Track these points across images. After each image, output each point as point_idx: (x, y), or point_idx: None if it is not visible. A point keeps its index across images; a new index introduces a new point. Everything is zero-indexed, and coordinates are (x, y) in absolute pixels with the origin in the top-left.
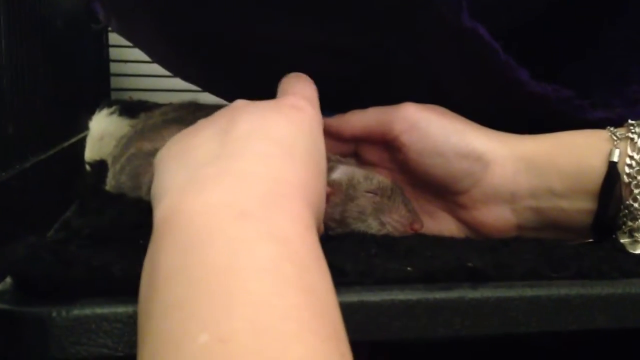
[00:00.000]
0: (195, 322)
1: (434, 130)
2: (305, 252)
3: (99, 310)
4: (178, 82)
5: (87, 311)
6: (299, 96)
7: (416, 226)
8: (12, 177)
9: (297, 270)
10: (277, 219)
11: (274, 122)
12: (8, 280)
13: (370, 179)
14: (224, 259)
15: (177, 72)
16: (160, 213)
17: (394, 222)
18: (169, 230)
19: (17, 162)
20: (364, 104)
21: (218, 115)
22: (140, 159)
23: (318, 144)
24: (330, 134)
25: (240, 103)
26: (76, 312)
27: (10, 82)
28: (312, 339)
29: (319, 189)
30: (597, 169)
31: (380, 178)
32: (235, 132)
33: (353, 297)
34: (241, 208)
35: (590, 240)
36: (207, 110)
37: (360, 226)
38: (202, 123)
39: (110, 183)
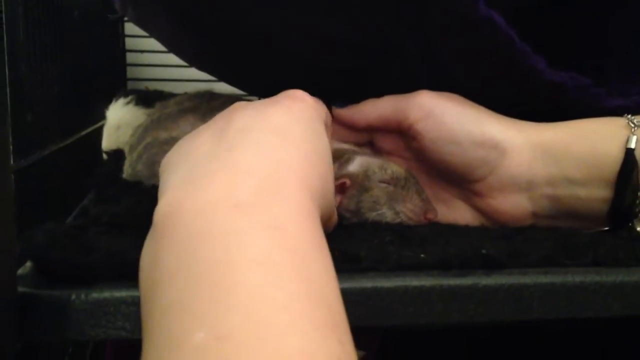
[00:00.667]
0: (192, 320)
1: (449, 118)
2: (302, 239)
3: (117, 294)
4: (193, 72)
5: (106, 294)
6: (298, 91)
7: (430, 215)
8: (32, 165)
9: (292, 258)
10: (273, 207)
11: (271, 113)
12: (28, 264)
13: (384, 169)
14: (219, 254)
15: (192, 61)
16: (158, 212)
17: (408, 211)
18: (167, 230)
19: (35, 150)
20: (377, 94)
21: (217, 116)
22: (157, 147)
23: (318, 131)
24: (345, 123)
25: (239, 103)
26: (95, 295)
27: (28, 71)
28: (308, 328)
29: (322, 174)
30: (614, 157)
31: (394, 168)
32: (231, 128)
33: (367, 283)
34: (235, 200)
35: (606, 228)
36: (222, 100)
37: (374, 216)
38: (203, 126)
39: (127, 171)
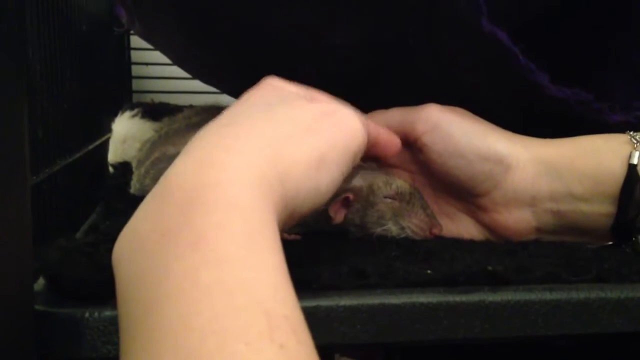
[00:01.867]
0: None
1: (456, 132)
2: (224, 244)
3: None
4: (198, 85)
5: None
6: (271, 77)
7: (435, 230)
8: (42, 181)
9: (214, 273)
10: (194, 220)
11: (221, 115)
12: (41, 281)
13: (389, 184)
14: (149, 294)
15: (197, 74)
16: (113, 253)
17: (413, 226)
18: (116, 279)
19: (46, 165)
20: (383, 106)
21: None
22: (165, 162)
23: (272, 105)
24: None
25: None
26: (108, 313)
27: (40, 87)
28: (235, 346)
29: (270, 137)
30: (616, 172)
31: (399, 183)
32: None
33: (375, 300)
34: (161, 229)
35: (610, 243)
36: None
37: (380, 231)
38: None
39: (135, 186)
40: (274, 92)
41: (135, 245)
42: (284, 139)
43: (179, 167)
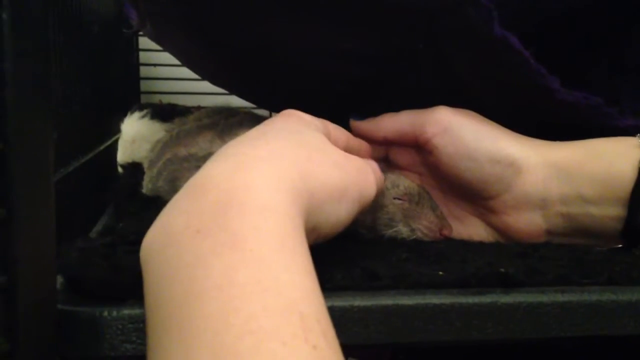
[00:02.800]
0: None
1: (466, 134)
2: (260, 245)
3: None
4: (206, 86)
5: (137, 311)
6: (292, 110)
7: (445, 232)
8: (57, 182)
9: (251, 272)
10: (231, 221)
11: (250, 132)
12: (59, 280)
13: (397, 185)
14: (185, 288)
15: (206, 76)
16: (140, 255)
17: (423, 228)
18: (146, 272)
19: (60, 167)
20: (393, 107)
21: None
22: (176, 164)
23: (299, 130)
24: (362, 136)
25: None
26: (126, 311)
27: (57, 90)
28: (274, 346)
29: (302, 162)
30: (627, 176)
31: (407, 183)
32: (218, 153)
33: (388, 301)
34: (197, 226)
35: (620, 246)
36: (240, 116)
37: (390, 232)
38: None
39: (147, 186)
40: (301, 123)
41: (167, 240)
42: (314, 163)
43: (214, 169)
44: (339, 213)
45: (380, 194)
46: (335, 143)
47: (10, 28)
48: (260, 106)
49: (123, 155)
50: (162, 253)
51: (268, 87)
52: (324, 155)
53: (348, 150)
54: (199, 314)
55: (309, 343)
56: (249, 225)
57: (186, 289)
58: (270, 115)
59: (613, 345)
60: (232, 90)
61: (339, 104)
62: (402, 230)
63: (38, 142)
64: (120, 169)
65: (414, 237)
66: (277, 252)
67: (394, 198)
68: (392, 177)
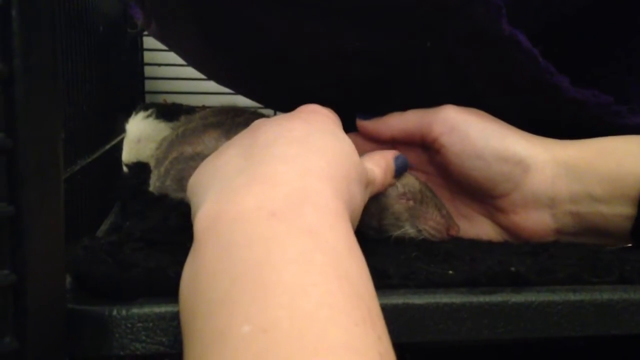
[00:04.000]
0: (238, 315)
1: (474, 133)
2: (335, 240)
3: (157, 309)
4: (210, 85)
5: (146, 310)
6: (312, 105)
7: (453, 232)
8: (64, 181)
9: (328, 259)
10: (305, 213)
11: (291, 126)
12: (68, 279)
13: (402, 185)
14: (259, 256)
15: (213, 76)
16: (198, 224)
17: (430, 229)
18: (209, 238)
19: (66, 166)
20: (399, 107)
21: (240, 136)
22: (183, 163)
23: (338, 136)
24: (368, 135)
25: (259, 121)
26: (135, 310)
27: (65, 88)
28: (347, 322)
29: (347, 176)
30: (637, 174)
31: (412, 182)
32: (256, 144)
33: (398, 300)
34: (271, 209)
35: (629, 245)
36: (246, 116)
37: (398, 233)
38: (226, 145)
39: (154, 185)
40: (331, 123)
41: (238, 214)
42: (356, 185)
43: (279, 167)
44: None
45: (384, 191)
46: None
47: (18, 25)
48: (266, 106)
49: (128, 155)
50: (232, 224)
51: (275, 86)
52: (358, 174)
53: None
54: (276, 280)
55: (375, 332)
56: (324, 221)
57: (262, 257)
58: (275, 115)
59: (620, 345)
60: (237, 90)
61: (346, 104)
62: (409, 230)
63: (47, 139)
64: (125, 169)
65: (422, 237)
66: (348, 251)
67: (399, 197)
68: None
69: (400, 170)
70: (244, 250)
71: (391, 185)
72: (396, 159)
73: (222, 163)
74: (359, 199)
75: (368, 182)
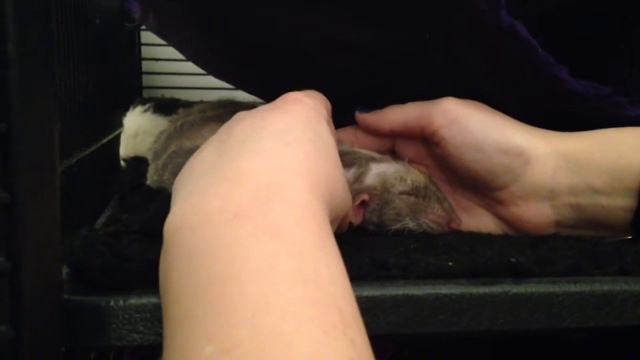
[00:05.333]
0: (201, 335)
1: (474, 125)
2: (304, 241)
3: (154, 300)
4: (208, 80)
5: (143, 300)
6: (298, 92)
7: (454, 225)
8: (60, 173)
9: (293, 261)
10: (272, 212)
11: (270, 119)
12: (65, 271)
13: (404, 180)
14: (221, 267)
15: (211, 69)
16: (165, 232)
17: (430, 222)
18: (174, 246)
19: (64, 158)
20: (399, 101)
21: (220, 130)
22: (182, 156)
23: (318, 130)
24: (368, 128)
25: (239, 114)
26: (133, 301)
27: (61, 81)
28: (314, 331)
29: (327, 171)
30: (637, 166)
31: (414, 176)
32: (231, 138)
33: (398, 291)
34: (234, 211)
35: (629, 237)
36: (244, 109)
37: (398, 226)
38: (207, 141)
39: (152, 178)
40: (315, 115)
41: (200, 219)
42: (338, 182)
43: (250, 162)
44: (333, 229)
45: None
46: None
47: (13, 8)
48: (266, 100)
49: (125, 149)
50: (195, 230)
51: (274, 80)
52: (339, 172)
53: None
54: (238, 292)
55: (347, 337)
56: (291, 218)
57: (223, 268)
58: None
59: (618, 339)
60: (236, 84)
61: (346, 97)
62: (410, 224)
63: (42, 125)
64: (122, 163)
65: (421, 230)
66: (317, 249)
67: (400, 193)
68: (400, 169)
69: None
70: (206, 261)
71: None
72: None
73: (197, 161)
74: (344, 195)
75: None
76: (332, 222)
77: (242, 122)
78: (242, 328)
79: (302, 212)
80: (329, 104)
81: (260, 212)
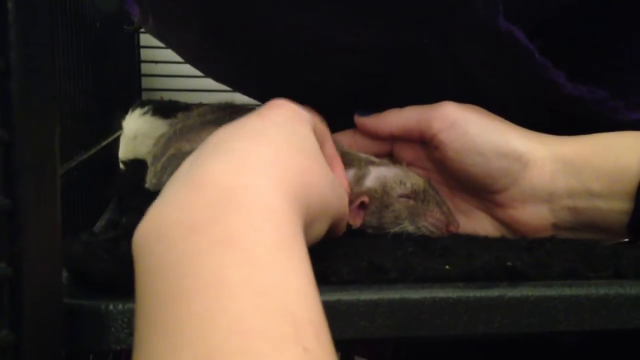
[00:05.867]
0: (151, 357)
1: (473, 129)
2: (255, 246)
3: None
4: (207, 83)
5: None
6: (280, 99)
7: (452, 228)
8: (61, 176)
9: (243, 274)
10: (226, 220)
11: (245, 123)
12: (64, 274)
13: (403, 183)
14: (171, 285)
15: (210, 72)
16: (132, 245)
17: (429, 225)
18: (136, 259)
19: (63, 162)
20: (397, 105)
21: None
22: (180, 159)
23: (296, 129)
24: (367, 132)
25: (225, 125)
26: (131, 305)
27: (59, 84)
28: (264, 348)
29: (303, 169)
30: (633, 169)
31: (414, 180)
32: (207, 144)
33: (395, 295)
34: (189, 222)
35: (626, 240)
36: (244, 113)
37: (397, 229)
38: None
39: (150, 181)
40: (297, 118)
41: (157, 234)
42: (315, 176)
43: (214, 164)
44: (321, 229)
45: (386, 189)
46: (318, 138)
47: (14, 17)
48: (263, 102)
49: (125, 152)
50: (151, 247)
51: (274, 82)
52: (320, 169)
53: (321, 144)
54: (185, 313)
55: (299, 345)
56: (246, 224)
57: (173, 287)
58: None
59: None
60: (236, 87)
61: (346, 100)
62: (408, 227)
63: (44, 132)
64: (122, 166)
65: (420, 233)
66: (273, 253)
67: (399, 196)
68: (400, 173)
69: None
70: (158, 279)
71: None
72: None
73: (177, 170)
74: (328, 192)
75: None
76: (313, 219)
77: (220, 130)
78: (187, 350)
79: (259, 216)
80: (322, 121)
81: (214, 221)
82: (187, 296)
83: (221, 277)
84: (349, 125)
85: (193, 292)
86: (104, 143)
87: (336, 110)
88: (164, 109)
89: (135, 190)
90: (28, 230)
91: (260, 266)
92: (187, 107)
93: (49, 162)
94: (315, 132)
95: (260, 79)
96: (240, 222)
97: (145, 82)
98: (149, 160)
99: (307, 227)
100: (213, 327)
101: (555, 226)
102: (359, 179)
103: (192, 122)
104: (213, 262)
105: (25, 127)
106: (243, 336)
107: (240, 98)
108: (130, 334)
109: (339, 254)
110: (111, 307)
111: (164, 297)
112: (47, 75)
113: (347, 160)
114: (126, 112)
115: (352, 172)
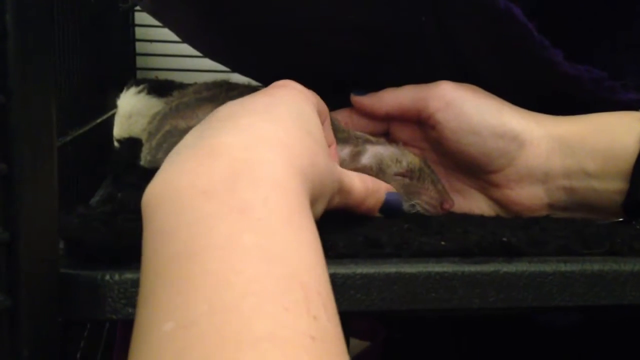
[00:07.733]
0: (161, 312)
1: (469, 109)
2: (270, 218)
3: None
4: (202, 63)
5: (139, 274)
6: (286, 80)
7: (447, 205)
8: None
9: (257, 239)
10: (241, 189)
11: (252, 100)
12: (60, 246)
13: (399, 162)
14: (185, 244)
15: (207, 51)
16: (142, 204)
17: (423, 203)
18: (146, 220)
19: (58, 136)
20: (396, 82)
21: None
22: (177, 136)
23: (304, 110)
24: (364, 111)
25: (230, 101)
26: (129, 275)
27: (56, 60)
28: (276, 310)
29: (310, 148)
30: (629, 149)
31: (410, 158)
32: (213, 119)
33: (391, 269)
34: (203, 187)
35: (621, 219)
36: (240, 90)
37: None
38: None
39: (145, 158)
40: (302, 98)
41: (169, 195)
42: (320, 157)
43: (229, 137)
44: (320, 209)
45: (381, 168)
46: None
47: None
48: (262, 83)
49: (120, 130)
50: (163, 206)
51: (271, 61)
52: (323, 152)
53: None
54: (200, 271)
55: (310, 313)
56: (259, 196)
57: (186, 246)
58: None
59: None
60: (232, 66)
61: (342, 79)
62: (403, 205)
63: (41, 96)
64: (116, 144)
65: (414, 211)
66: (284, 225)
67: (395, 174)
68: (396, 151)
69: (390, 208)
70: (171, 238)
71: (372, 212)
72: (390, 193)
73: (182, 140)
74: (327, 173)
75: (341, 188)
76: (317, 197)
77: (227, 106)
78: (201, 306)
79: (272, 189)
80: (321, 101)
81: (229, 189)
82: (202, 256)
83: (236, 240)
84: (345, 104)
85: (208, 252)
86: (98, 120)
87: (333, 89)
88: (159, 88)
89: (130, 167)
90: (24, 195)
91: (273, 235)
92: (182, 87)
93: (46, 128)
94: (320, 115)
95: (257, 58)
96: (254, 193)
97: (140, 61)
98: (143, 138)
99: (310, 206)
100: (228, 286)
101: (551, 206)
102: (354, 156)
103: (187, 100)
104: (228, 226)
105: (22, 90)
106: (257, 298)
107: (236, 78)
108: (127, 304)
109: (335, 229)
110: (108, 277)
111: (177, 256)
112: (43, 37)
113: (344, 137)
114: (121, 91)
115: (348, 150)
